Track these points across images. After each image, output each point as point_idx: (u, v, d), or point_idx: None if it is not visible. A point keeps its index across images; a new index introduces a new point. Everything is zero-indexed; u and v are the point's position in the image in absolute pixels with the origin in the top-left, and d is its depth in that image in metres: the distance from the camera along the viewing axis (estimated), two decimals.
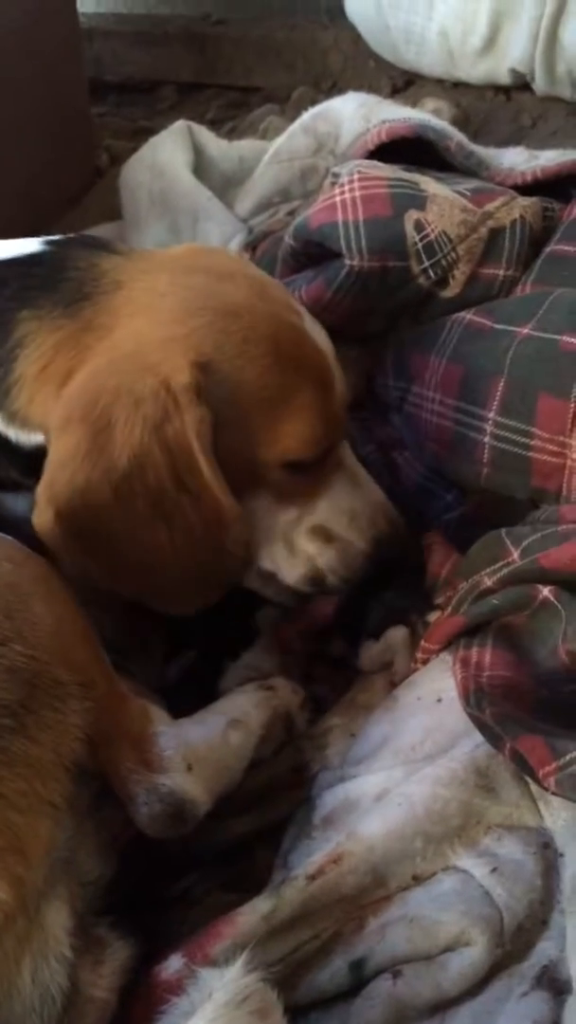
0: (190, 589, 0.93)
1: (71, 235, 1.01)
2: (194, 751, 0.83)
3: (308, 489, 0.98)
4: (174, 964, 0.74)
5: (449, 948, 0.74)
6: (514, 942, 0.74)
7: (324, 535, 1.00)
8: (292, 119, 1.88)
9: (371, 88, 2.08)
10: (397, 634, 1.04)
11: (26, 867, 0.64)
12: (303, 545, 1.00)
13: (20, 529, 0.95)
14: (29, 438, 0.90)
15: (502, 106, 1.95)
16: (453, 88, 2.03)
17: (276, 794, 0.93)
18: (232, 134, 2.08)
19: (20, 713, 0.68)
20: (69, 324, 0.88)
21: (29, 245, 0.97)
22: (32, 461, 0.90)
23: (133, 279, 0.92)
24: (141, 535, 0.86)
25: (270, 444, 0.92)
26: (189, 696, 0.99)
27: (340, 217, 1.17)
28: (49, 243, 0.97)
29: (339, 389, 0.98)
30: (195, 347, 0.87)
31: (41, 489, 0.85)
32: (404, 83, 2.13)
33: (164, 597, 0.93)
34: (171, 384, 0.84)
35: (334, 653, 1.11)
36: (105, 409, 0.83)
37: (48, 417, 0.87)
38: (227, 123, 2.21)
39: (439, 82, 2.05)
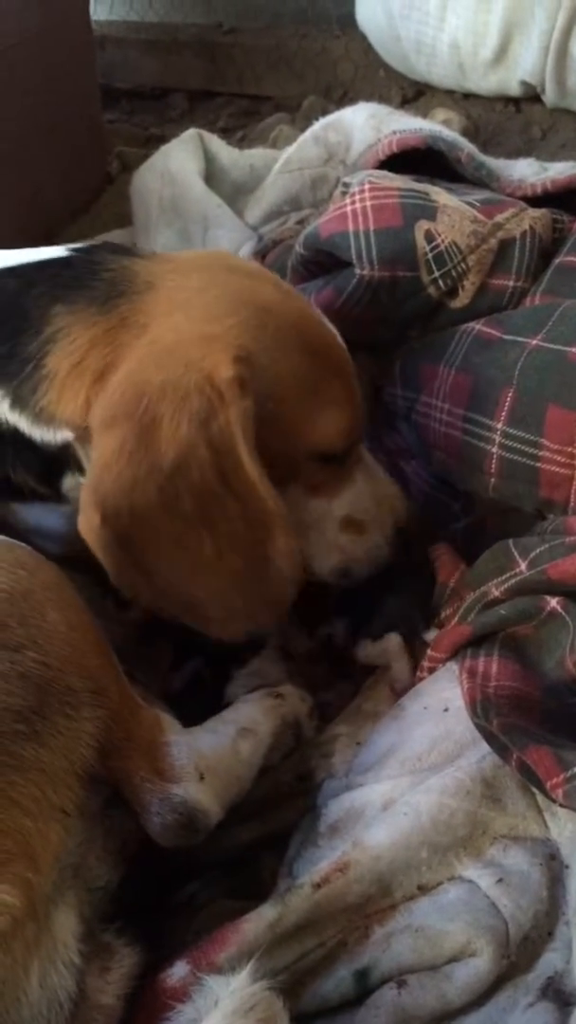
0: (236, 607, 0.90)
1: (94, 242, 1.01)
2: (205, 760, 0.83)
3: (334, 481, 1.01)
4: (179, 971, 0.74)
5: (454, 958, 0.74)
6: (520, 953, 0.74)
7: (356, 526, 1.03)
8: (302, 128, 1.89)
9: (381, 98, 2.09)
10: (392, 641, 1.05)
11: (36, 872, 0.65)
12: (336, 537, 1.03)
13: (31, 541, 0.95)
14: (55, 436, 0.88)
15: (512, 117, 1.96)
16: (463, 99, 2.04)
17: (281, 802, 0.93)
18: (242, 142, 2.09)
19: (33, 719, 0.68)
20: (104, 321, 0.88)
21: (55, 251, 0.97)
22: (51, 465, 0.90)
23: (164, 279, 0.92)
24: (185, 542, 0.85)
25: (306, 434, 0.93)
26: (195, 703, 1.00)
27: (351, 227, 1.18)
28: (74, 250, 0.98)
29: (354, 380, 1.00)
30: (235, 341, 0.87)
31: (86, 493, 0.84)
32: (414, 93, 2.14)
33: (209, 616, 0.90)
34: (215, 378, 0.84)
35: (336, 641, 1.12)
36: (150, 406, 0.82)
37: (78, 414, 0.86)
38: (237, 131, 2.23)
39: (449, 93, 2.06)
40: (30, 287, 0.91)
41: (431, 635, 1.03)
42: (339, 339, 1.00)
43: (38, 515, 0.95)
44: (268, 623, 0.95)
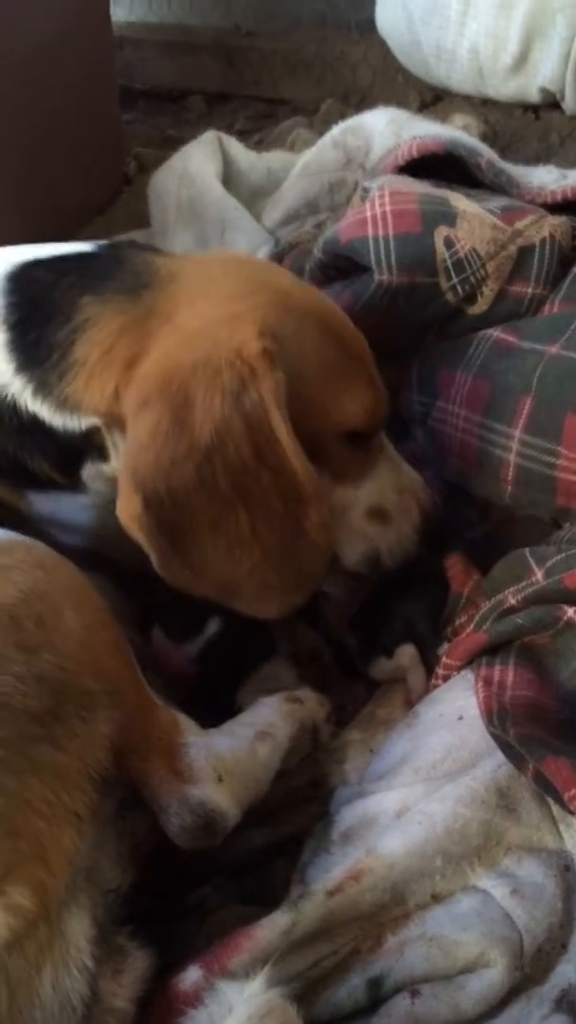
0: (272, 583, 0.90)
1: (117, 240, 1.04)
2: (223, 762, 0.82)
3: (359, 468, 1.02)
4: (192, 976, 0.73)
5: (468, 969, 0.73)
6: (533, 965, 0.74)
7: (381, 515, 1.04)
8: (320, 132, 1.89)
9: (399, 103, 2.08)
10: (406, 652, 1.05)
11: (49, 875, 0.64)
12: (362, 525, 1.03)
13: (44, 531, 0.95)
14: (79, 424, 0.89)
15: (531, 124, 1.96)
16: (482, 105, 2.03)
17: (294, 807, 0.93)
18: (259, 145, 2.09)
19: (48, 722, 0.68)
20: (132, 309, 0.89)
21: (81, 245, 0.99)
22: (70, 453, 0.91)
23: (186, 271, 0.94)
24: (222, 519, 0.85)
25: (334, 411, 0.94)
26: (206, 707, 0.99)
27: (370, 232, 1.18)
28: (102, 245, 1.00)
29: (372, 363, 1.02)
30: (260, 319, 0.88)
31: (124, 478, 0.84)
32: (433, 98, 2.13)
33: (246, 595, 0.91)
34: (244, 352, 0.85)
35: (349, 653, 1.12)
36: (183, 384, 0.83)
37: (106, 401, 0.87)
38: (254, 134, 2.23)
39: (468, 98, 2.06)
40: (60, 277, 0.93)
41: (444, 649, 1.02)
42: (356, 329, 1.01)
43: (53, 504, 0.95)
44: (301, 600, 0.95)
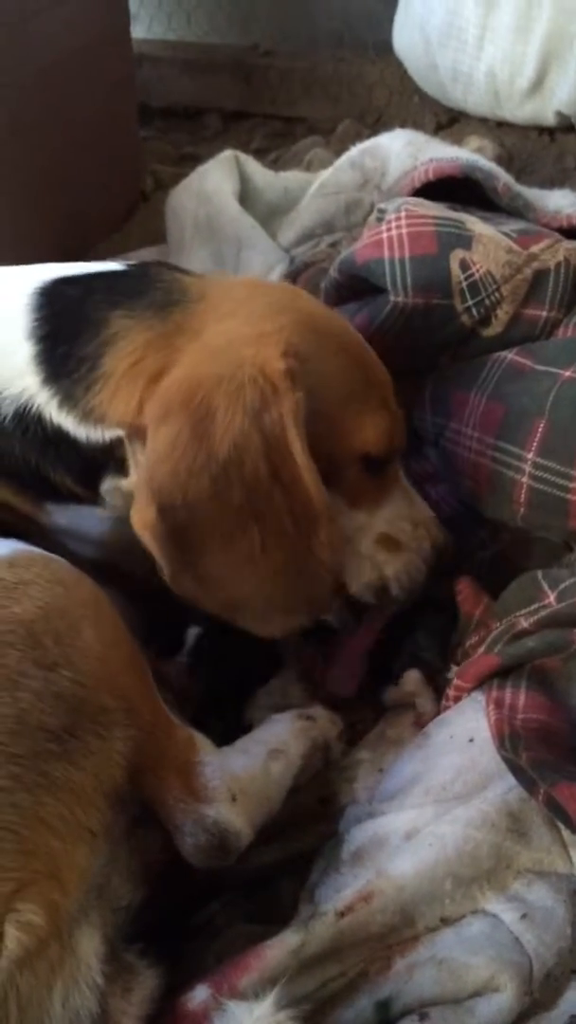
0: (277, 602, 0.92)
1: (147, 260, 1.07)
2: (238, 781, 0.83)
3: (375, 494, 1.02)
4: (200, 995, 0.73)
5: (477, 993, 0.73)
6: (543, 990, 0.73)
7: (392, 544, 1.04)
8: (336, 152, 1.90)
9: (415, 124, 2.10)
10: (411, 677, 1.05)
11: (62, 893, 0.65)
12: (371, 552, 1.03)
13: (61, 543, 0.96)
14: (102, 435, 0.91)
15: (546, 147, 1.97)
16: (497, 127, 2.04)
17: (302, 824, 0.93)
18: (275, 164, 2.10)
19: (64, 739, 0.68)
20: (160, 325, 0.91)
21: (111, 264, 1.02)
22: (92, 466, 0.92)
23: (214, 291, 0.96)
24: (233, 535, 0.87)
25: (353, 434, 0.96)
26: (216, 723, 1.00)
27: (387, 254, 1.18)
28: (131, 264, 1.03)
29: (391, 391, 1.03)
30: (285, 340, 0.90)
31: (141, 487, 0.86)
32: (448, 120, 2.15)
33: (250, 612, 0.92)
34: (268, 371, 0.86)
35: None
36: (205, 398, 0.85)
37: (131, 413, 0.89)
38: (271, 152, 2.24)
39: (483, 121, 2.07)
40: (89, 293, 0.95)
41: (453, 672, 1.02)
42: (376, 357, 1.03)
43: (72, 516, 0.97)
44: (303, 622, 0.96)
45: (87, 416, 0.90)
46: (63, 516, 0.97)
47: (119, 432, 0.90)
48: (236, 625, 0.92)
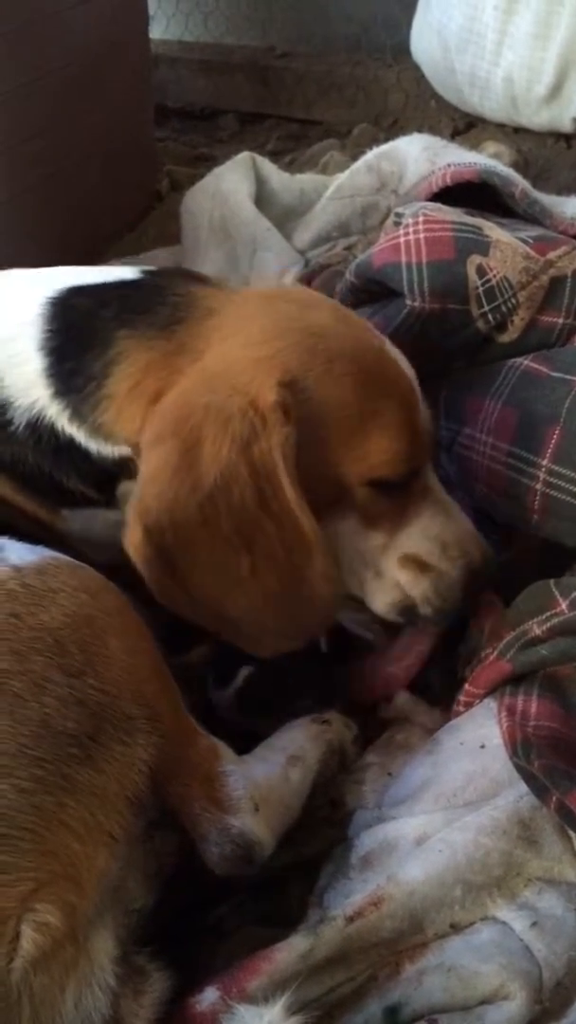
0: (269, 626, 0.91)
1: (170, 268, 1.06)
2: (260, 791, 0.83)
3: (396, 514, 0.98)
4: (209, 997, 0.73)
5: (487, 1000, 0.73)
6: (552, 999, 0.73)
7: (417, 564, 0.99)
8: (352, 155, 1.91)
9: (432, 128, 2.10)
10: (400, 700, 1.05)
11: (79, 896, 0.65)
12: (393, 572, 0.99)
13: (75, 547, 0.96)
14: (112, 451, 0.92)
15: (562, 153, 1.97)
16: (514, 133, 2.05)
17: (310, 828, 0.93)
18: (291, 166, 2.11)
19: (87, 744, 0.69)
20: (163, 345, 0.91)
21: (127, 272, 1.00)
22: (104, 474, 0.93)
23: (224, 307, 0.95)
24: (223, 560, 0.87)
25: (356, 461, 0.92)
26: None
27: (403, 258, 1.18)
28: (147, 272, 1.01)
29: (423, 410, 1.00)
30: (281, 366, 0.88)
31: (132, 508, 0.87)
32: (465, 125, 2.15)
33: (244, 634, 0.92)
34: (258, 403, 0.86)
35: None
36: (195, 426, 0.85)
37: (135, 433, 0.89)
38: (286, 155, 2.24)
39: (500, 126, 2.07)
40: (99, 308, 0.95)
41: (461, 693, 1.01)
42: (403, 365, 0.99)
43: (87, 520, 0.97)
44: (296, 645, 0.95)
45: (96, 432, 0.92)
46: (78, 521, 0.98)
47: (127, 450, 0.92)
48: (227, 640, 0.93)
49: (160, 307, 0.94)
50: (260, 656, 0.96)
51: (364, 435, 0.92)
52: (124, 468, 0.93)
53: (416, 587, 0.99)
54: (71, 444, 0.93)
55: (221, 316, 0.94)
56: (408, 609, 1.01)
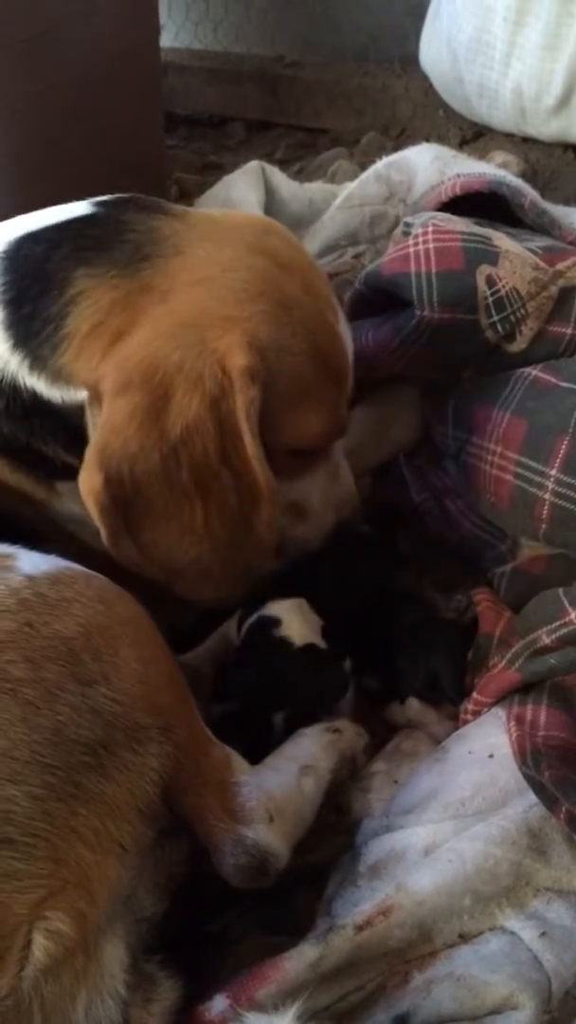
0: (215, 572, 0.94)
1: (122, 195, 1.00)
2: (274, 801, 0.83)
3: (295, 470, 1.04)
4: (218, 1005, 0.74)
5: (496, 1010, 0.73)
6: (561, 1009, 0.74)
7: (299, 512, 1.08)
8: (360, 164, 1.91)
9: (440, 138, 2.11)
10: (412, 707, 1.06)
11: (91, 905, 0.65)
12: (278, 516, 1.01)
13: (75, 536, 0.97)
14: (74, 396, 0.90)
15: (571, 164, 1.97)
16: (522, 143, 2.05)
17: (317, 835, 0.93)
18: (299, 174, 2.11)
19: (100, 753, 0.69)
20: (126, 284, 0.89)
21: (79, 208, 0.97)
22: (77, 434, 0.91)
23: (193, 246, 0.93)
24: (177, 508, 0.89)
25: (286, 431, 0.96)
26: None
27: (413, 268, 1.19)
28: (100, 204, 0.98)
29: (349, 389, 1.03)
30: (252, 331, 0.89)
31: (91, 453, 0.86)
32: (473, 135, 2.15)
33: (187, 580, 0.94)
34: (229, 364, 0.87)
35: (367, 687, 1.12)
36: (164, 380, 0.86)
37: (93, 374, 0.88)
38: (294, 163, 2.25)
39: (508, 136, 2.07)
40: (53, 250, 0.92)
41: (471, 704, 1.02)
42: (346, 347, 1.02)
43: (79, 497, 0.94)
44: (236, 591, 0.99)
45: (56, 377, 0.90)
46: (73, 498, 0.95)
47: (84, 393, 0.90)
48: (172, 591, 0.95)
49: (121, 244, 0.91)
50: (202, 603, 0.99)
51: (300, 411, 0.96)
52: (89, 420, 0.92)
53: (293, 531, 1.09)
54: (36, 401, 0.91)
55: (189, 256, 0.92)
56: (279, 550, 1.07)
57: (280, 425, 0.95)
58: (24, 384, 0.91)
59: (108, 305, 0.88)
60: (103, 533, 0.88)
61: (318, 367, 0.96)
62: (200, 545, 0.91)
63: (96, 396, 0.88)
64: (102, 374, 0.87)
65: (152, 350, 0.86)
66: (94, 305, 0.89)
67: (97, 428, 0.87)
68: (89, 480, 0.86)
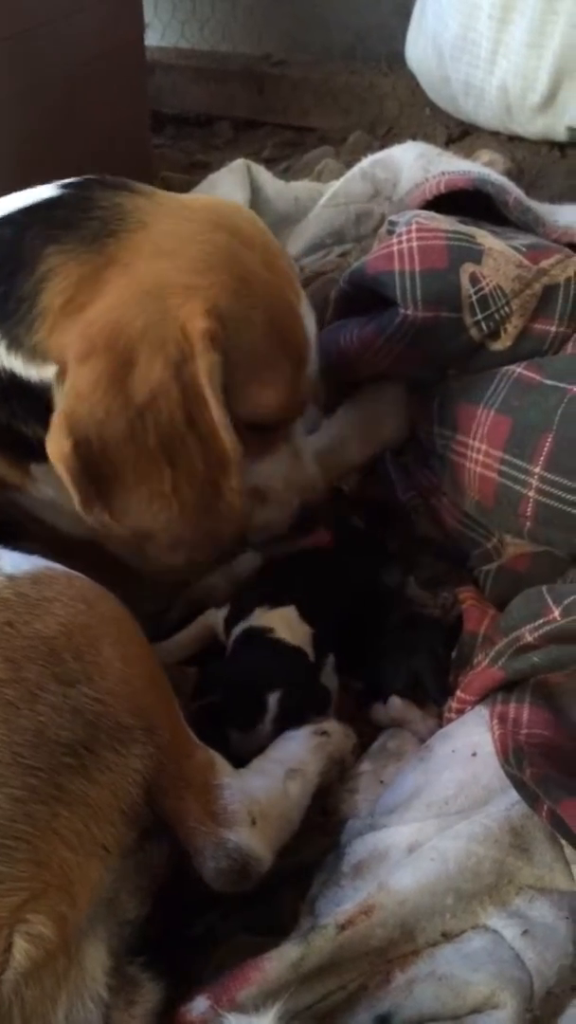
0: (185, 538, 0.95)
1: (89, 176, 1.02)
2: (258, 805, 0.83)
3: (257, 450, 1.03)
4: (199, 1006, 0.73)
5: (477, 1009, 0.73)
6: (543, 1008, 0.73)
7: (259, 497, 1.07)
8: (347, 162, 1.91)
9: (426, 136, 2.10)
10: (394, 705, 1.06)
11: (72, 907, 0.65)
12: None
13: (49, 525, 0.98)
14: (49, 374, 0.91)
15: (556, 162, 1.97)
16: (508, 141, 2.05)
17: (302, 836, 0.93)
18: (286, 173, 2.11)
19: (82, 753, 0.69)
20: (94, 259, 0.91)
21: (47, 190, 0.99)
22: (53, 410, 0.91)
23: (158, 220, 0.95)
24: (147, 473, 0.89)
25: (242, 403, 0.96)
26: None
27: (397, 266, 1.18)
28: (67, 185, 1.00)
29: (311, 371, 1.03)
30: (213, 299, 0.90)
31: (59, 419, 0.87)
32: (459, 133, 2.16)
33: (158, 545, 0.95)
34: (190, 328, 0.88)
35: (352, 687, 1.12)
36: (128, 345, 0.87)
37: (67, 347, 0.89)
38: (281, 162, 2.25)
39: (494, 134, 2.07)
40: (23, 231, 0.94)
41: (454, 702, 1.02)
42: (307, 327, 1.02)
43: (56, 482, 0.94)
44: (206, 558, 1.00)
45: (32, 355, 0.91)
46: (49, 483, 0.96)
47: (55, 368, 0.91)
48: (146, 562, 0.96)
49: (88, 221, 0.93)
50: (174, 568, 0.99)
51: (257, 384, 0.97)
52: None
53: (256, 515, 1.07)
54: (15, 381, 0.92)
55: (153, 229, 0.93)
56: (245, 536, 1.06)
57: (238, 396, 0.95)
58: (3, 365, 0.92)
59: (78, 280, 0.90)
60: (75, 499, 0.88)
61: (276, 342, 0.97)
62: (170, 510, 0.92)
63: (62, 365, 0.89)
64: (66, 343, 0.88)
65: (115, 317, 0.88)
66: (64, 281, 0.90)
67: (63, 395, 0.88)
68: (57, 446, 0.87)
